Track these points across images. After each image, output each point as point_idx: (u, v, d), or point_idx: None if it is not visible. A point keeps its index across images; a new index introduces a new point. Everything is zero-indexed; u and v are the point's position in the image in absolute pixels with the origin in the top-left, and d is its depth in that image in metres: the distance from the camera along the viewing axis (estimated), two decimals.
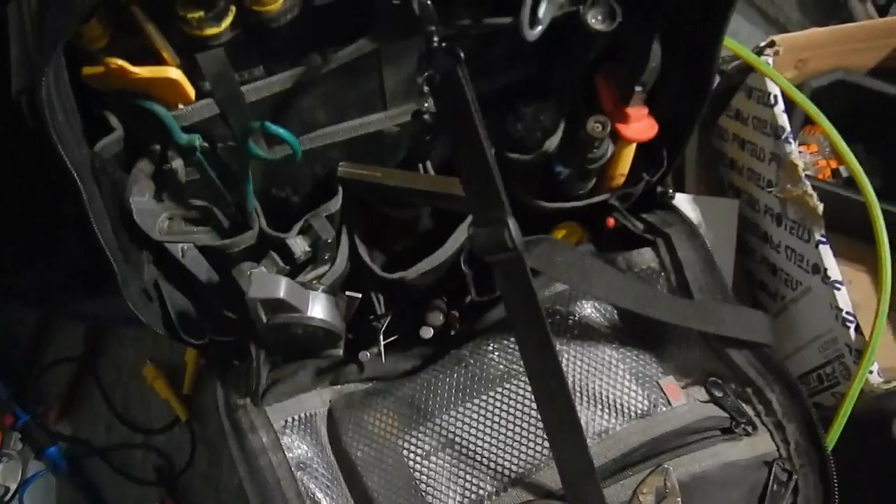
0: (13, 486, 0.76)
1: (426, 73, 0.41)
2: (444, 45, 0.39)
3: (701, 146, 0.80)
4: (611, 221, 0.57)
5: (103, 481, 0.77)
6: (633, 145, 0.54)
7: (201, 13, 0.38)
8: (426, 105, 0.46)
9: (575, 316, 0.54)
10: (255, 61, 0.44)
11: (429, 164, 0.54)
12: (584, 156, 0.51)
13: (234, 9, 0.39)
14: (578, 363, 0.52)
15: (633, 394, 0.52)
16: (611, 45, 0.49)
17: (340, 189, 0.53)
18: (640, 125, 0.52)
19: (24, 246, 0.68)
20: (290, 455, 0.50)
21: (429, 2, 0.39)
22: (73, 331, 0.81)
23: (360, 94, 0.49)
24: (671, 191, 0.59)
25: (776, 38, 0.69)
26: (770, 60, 0.67)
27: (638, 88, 0.49)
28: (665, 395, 0.52)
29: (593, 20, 0.45)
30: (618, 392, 0.52)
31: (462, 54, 0.39)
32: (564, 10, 0.46)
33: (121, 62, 0.38)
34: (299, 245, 0.52)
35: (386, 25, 0.44)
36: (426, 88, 0.43)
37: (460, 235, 0.57)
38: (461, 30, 0.45)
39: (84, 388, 0.80)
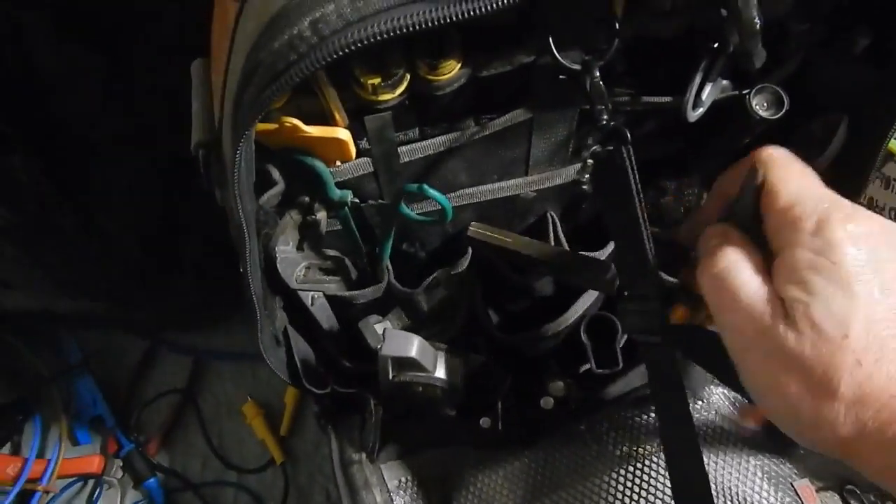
0: None
1: (592, 149, 0.41)
2: (612, 124, 0.39)
3: None
4: None
5: None
6: None
7: (379, 80, 0.38)
8: (585, 177, 0.45)
9: (704, 400, 0.52)
10: (412, 124, 0.44)
11: (560, 231, 0.54)
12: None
13: (408, 77, 0.39)
14: (706, 454, 0.50)
15: (764, 493, 0.49)
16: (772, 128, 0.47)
17: (469, 249, 0.53)
18: None
19: (146, 280, 0.71)
20: None
21: (600, 82, 0.38)
22: (176, 362, 0.82)
23: (504, 159, 0.49)
24: None
25: None
26: None
27: None
28: (800, 498, 0.49)
29: (758, 107, 0.44)
30: (748, 490, 0.49)
31: (629, 135, 0.39)
32: (727, 93, 0.45)
33: (295, 121, 0.39)
34: (426, 302, 0.52)
35: (544, 97, 0.44)
36: (589, 162, 0.43)
37: (582, 304, 0.56)
38: (617, 106, 0.45)
39: (184, 420, 0.81)
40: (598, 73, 0.38)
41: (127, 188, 0.64)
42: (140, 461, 0.77)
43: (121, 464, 0.78)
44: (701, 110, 0.43)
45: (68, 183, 0.58)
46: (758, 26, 0.37)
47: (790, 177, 0.31)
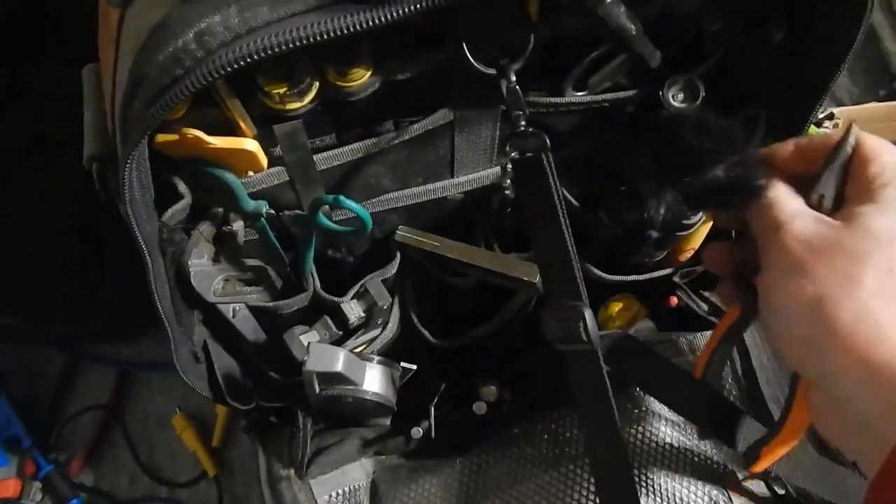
0: None
1: (511, 154, 0.40)
2: (529, 129, 0.38)
3: None
4: (674, 300, 0.55)
5: None
6: (711, 221, 0.52)
7: (285, 88, 0.36)
8: (507, 182, 0.44)
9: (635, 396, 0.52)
10: (328, 130, 0.42)
11: (489, 233, 0.53)
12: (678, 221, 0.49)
13: (317, 84, 0.37)
14: (638, 447, 0.50)
15: (692, 487, 0.49)
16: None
17: (398, 254, 0.52)
18: None
19: (63, 293, 0.66)
20: None
21: (516, 86, 0.37)
22: (100, 375, 0.78)
23: (428, 162, 0.47)
24: None
25: (835, 110, 0.68)
26: (829, 132, 0.65)
27: None
28: (727, 492, 0.50)
29: (674, 99, 0.44)
30: (677, 484, 0.49)
31: (548, 140, 0.38)
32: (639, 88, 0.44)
33: (197, 133, 0.37)
34: (354, 311, 0.50)
35: (463, 100, 0.42)
36: (509, 167, 0.42)
37: (514, 306, 0.55)
38: (538, 107, 0.44)
39: (109, 436, 0.77)
40: (514, 77, 0.37)
41: (39, 202, 0.59)
42: (61, 482, 0.73)
43: (40, 486, 0.74)
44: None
45: None
46: (633, 32, 0.36)
47: (881, 149, 0.34)
